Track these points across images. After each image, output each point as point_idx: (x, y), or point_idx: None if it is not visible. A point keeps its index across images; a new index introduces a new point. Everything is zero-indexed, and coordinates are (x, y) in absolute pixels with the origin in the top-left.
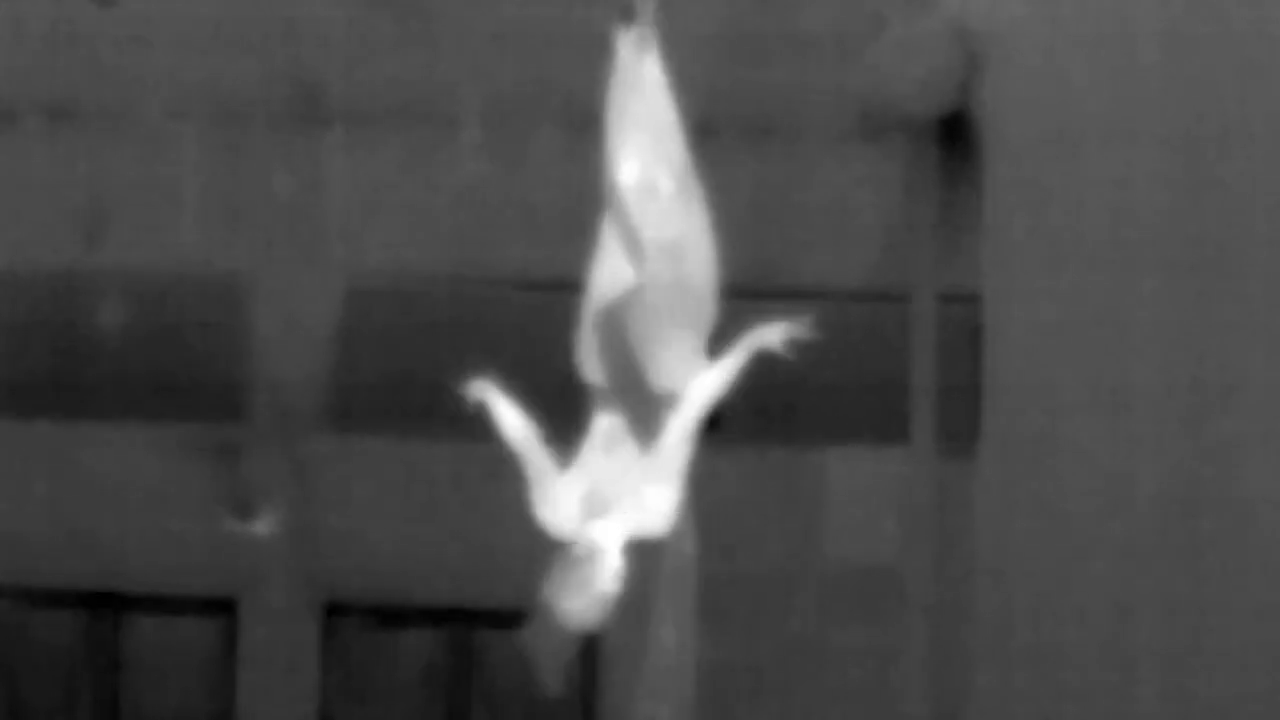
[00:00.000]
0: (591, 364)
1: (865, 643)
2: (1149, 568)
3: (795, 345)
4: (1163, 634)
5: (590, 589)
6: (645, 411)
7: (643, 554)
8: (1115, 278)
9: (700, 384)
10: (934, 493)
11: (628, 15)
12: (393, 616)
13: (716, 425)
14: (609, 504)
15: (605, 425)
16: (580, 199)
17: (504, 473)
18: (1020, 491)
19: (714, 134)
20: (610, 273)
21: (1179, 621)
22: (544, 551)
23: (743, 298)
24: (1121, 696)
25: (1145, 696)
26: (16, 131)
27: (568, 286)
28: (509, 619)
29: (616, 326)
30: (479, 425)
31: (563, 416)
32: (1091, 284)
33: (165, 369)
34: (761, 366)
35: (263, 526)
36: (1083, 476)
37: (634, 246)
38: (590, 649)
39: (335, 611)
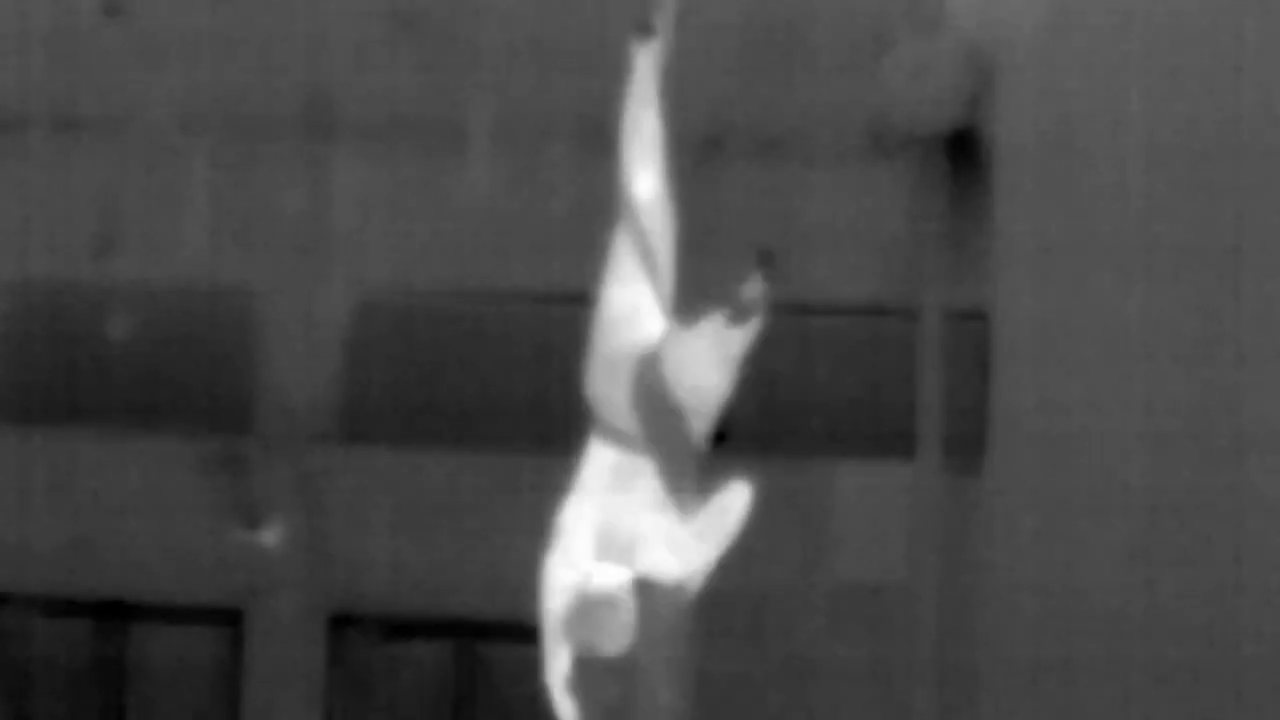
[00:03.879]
0: (610, 402)
1: (872, 657)
2: (1155, 580)
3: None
4: (1167, 645)
5: (611, 631)
6: (676, 458)
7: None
8: (1123, 293)
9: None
10: (941, 507)
11: (644, 30)
12: (399, 628)
13: (723, 437)
14: (625, 546)
15: (613, 461)
16: (589, 214)
17: (511, 485)
18: (1027, 505)
19: (724, 149)
20: (622, 289)
21: (1184, 634)
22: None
23: None
24: (1125, 708)
25: (1148, 708)
26: (25, 143)
27: (576, 300)
28: (515, 631)
29: (654, 376)
30: (486, 437)
31: (569, 428)
32: (1099, 299)
33: (174, 381)
34: (768, 380)
35: (270, 537)
36: (1089, 490)
37: (648, 258)
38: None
39: (342, 622)
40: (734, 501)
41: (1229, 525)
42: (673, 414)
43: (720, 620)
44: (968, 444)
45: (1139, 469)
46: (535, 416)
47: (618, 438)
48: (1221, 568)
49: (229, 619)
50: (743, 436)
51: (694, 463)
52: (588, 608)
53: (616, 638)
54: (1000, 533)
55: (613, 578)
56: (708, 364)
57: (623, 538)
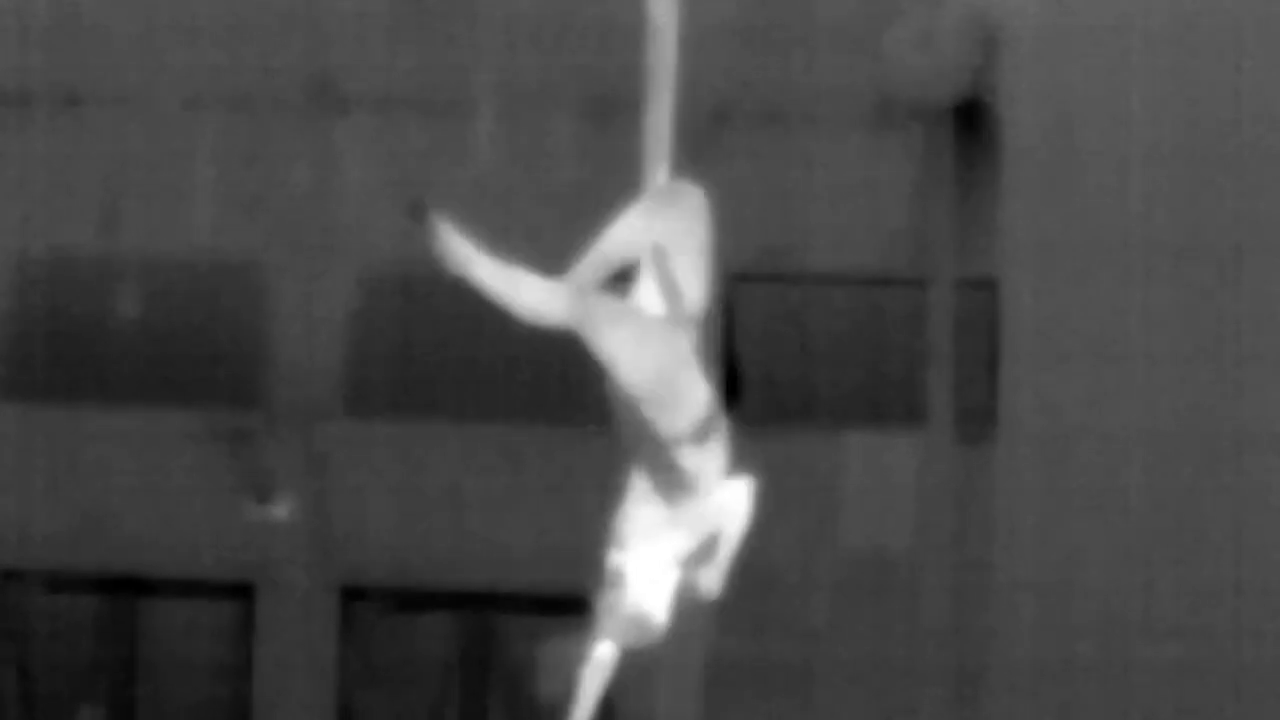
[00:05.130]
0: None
1: (879, 624)
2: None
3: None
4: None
5: (618, 614)
6: (647, 446)
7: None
8: (1131, 264)
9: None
10: (950, 477)
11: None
12: (410, 600)
13: (734, 400)
14: (625, 537)
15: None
16: (592, 187)
17: (517, 457)
18: (1037, 476)
19: (731, 122)
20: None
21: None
22: (558, 536)
23: (762, 283)
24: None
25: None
26: (33, 119)
27: None
28: (525, 603)
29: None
30: (493, 410)
31: (574, 401)
32: (1107, 270)
33: (181, 356)
34: (778, 350)
35: (280, 511)
36: (1098, 461)
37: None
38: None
39: (353, 595)
40: (733, 496)
41: (1242, 503)
42: (627, 402)
43: (727, 590)
44: (978, 413)
45: (1151, 440)
46: (541, 389)
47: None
48: (1232, 541)
49: (240, 593)
50: (752, 405)
51: (664, 449)
52: (598, 598)
53: (617, 627)
54: (1011, 502)
55: (613, 567)
56: (635, 351)
57: (622, 531)
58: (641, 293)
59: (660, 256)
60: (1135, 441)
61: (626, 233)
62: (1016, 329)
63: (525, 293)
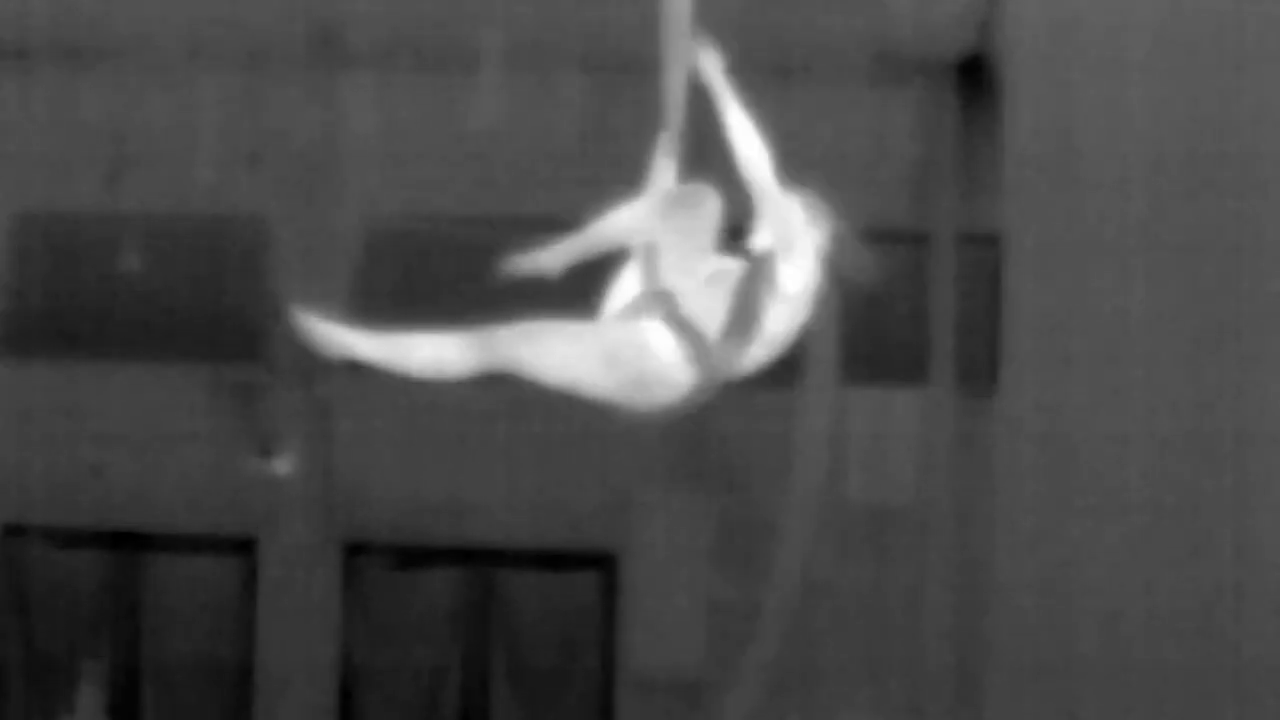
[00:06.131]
0: None
1: (881, 582)
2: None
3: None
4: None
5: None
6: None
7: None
8: (1135, 219)
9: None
10: (952, 433)
11: None
12: (413, 556)
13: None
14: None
15: None
16: (598, 140)
17: (525, 413)
18: (1038, 432)
19: (734, 76)
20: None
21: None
22: (562, 492)
23: None
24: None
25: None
26: (36, 74)
27: (584, 226)
28: (529, 559)
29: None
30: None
31: None
32: (1111, 225)
33: (185, 310)
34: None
35: (283, 466)
36: (1100, 418)
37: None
38: (610, 587)
39: (355, 551)
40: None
41: (1243, 451)
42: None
43: (730, 545)
44: (980, 369)
45: (1151, 395)
46: None
47: None
48: (1233, 495)
49: (243, 548)
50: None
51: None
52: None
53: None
54: (1012, 457)
55: None
56: (568, 351)
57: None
58: (624, 281)
59: (651, 252)
60: (1142, 391)
61: (627, 220)
62: (1020, 283)
63: (417, 354)
